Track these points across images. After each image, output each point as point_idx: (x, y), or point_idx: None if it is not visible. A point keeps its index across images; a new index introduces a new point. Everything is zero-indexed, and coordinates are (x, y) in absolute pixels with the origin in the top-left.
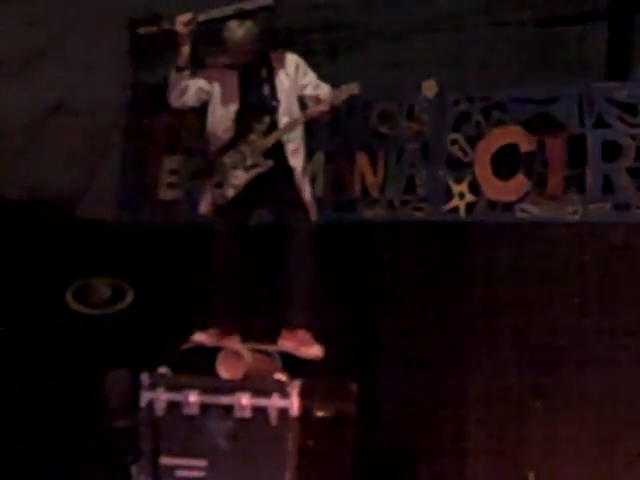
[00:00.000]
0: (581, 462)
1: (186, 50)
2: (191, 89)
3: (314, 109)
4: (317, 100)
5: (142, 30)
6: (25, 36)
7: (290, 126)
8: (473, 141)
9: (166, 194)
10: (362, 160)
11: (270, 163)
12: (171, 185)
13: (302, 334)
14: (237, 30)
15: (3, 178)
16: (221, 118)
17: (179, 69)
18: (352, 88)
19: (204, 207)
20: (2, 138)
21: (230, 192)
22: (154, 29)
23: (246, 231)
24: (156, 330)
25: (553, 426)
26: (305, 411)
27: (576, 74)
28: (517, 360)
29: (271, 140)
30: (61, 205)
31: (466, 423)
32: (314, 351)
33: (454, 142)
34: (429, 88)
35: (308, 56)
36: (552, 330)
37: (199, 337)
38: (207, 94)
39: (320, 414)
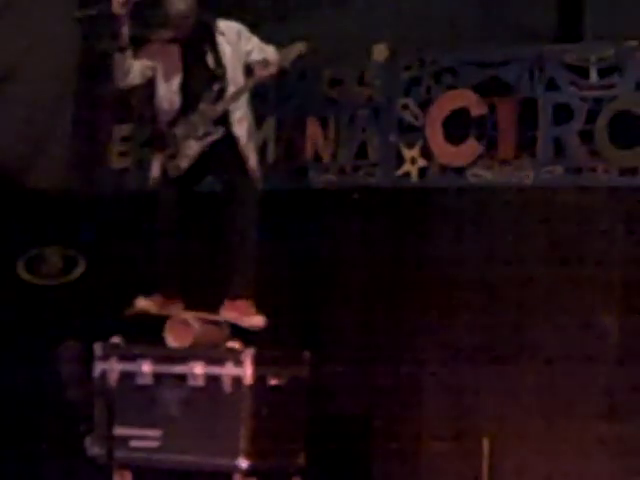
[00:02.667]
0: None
1: (125, 30)
2: (135, 68)
3: (262, 72)
4: (265, 63)
5: (79, 14)
6: None
7: (240, 92)
8: (424, 106)
9: (117, 162)
10: (313, 126)
11: (221, 130)
12: (122, 153)
13: (243, 304)
14: (178, 3)
15: None
16: (166, 92)
17: (121, 49)
18: (299, 47)
19: (154, 179)
20: None
21: (184, 162)
22: (91, 11)
23: (194, 199)
24: (108, 299)
25: (510, 391)
26: (259, 379)
27: (526, 37)
28: (471, 322)
29: (220, 108)
30: (11, 175)
31: (421, 387)
32: (256, 321)
33: (405, 107)
34: (380, 52)
35: (257, 22)
36: (506, 297)
37: (142, 303)
38: (152, 70)
39: (274, 382)
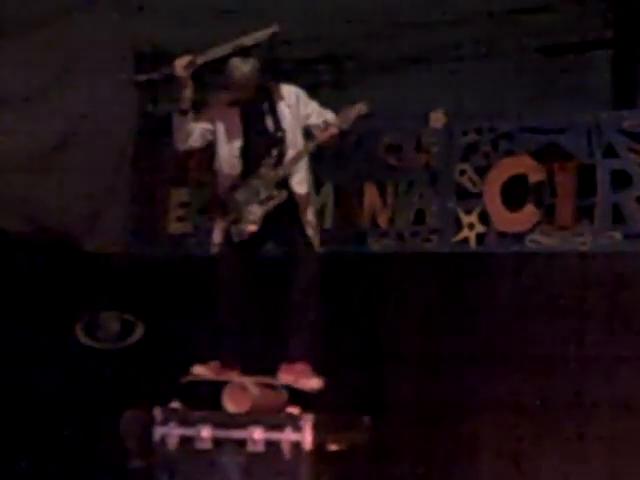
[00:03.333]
0: None
1: (188, 93)
2: (196, 131)
3: (324, 134)
4: (325, 125)
5: (141, 77)
6: (30, 71)
7: (300, 155)
8: (482, 172)
9: (175, 227)
10: (371, 192)
11: (285, 194)
12: (180, 218)
13: (300, 367)
14: (242, 67)
15: (12, 213)
16: (226, 156)
17: (182, 112)
18: (360, 108)
19: (217, 245)
20: (10, 173)
21: (249, 228)
22: (154, 75)
23: (254, 263)
24: (167, 364)
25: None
26: (318, 445)
27: (583, 103)
28: (531, 392)
29: (282, 171)
30: (69, 239)
31: (479, 451)
32: (313, 383)
33: (463, 173)
34: (437, 119)
35: (313, 88)
36: (564, 360)
37: (199, 370)
38: (212, 133)
39: (333, 447)
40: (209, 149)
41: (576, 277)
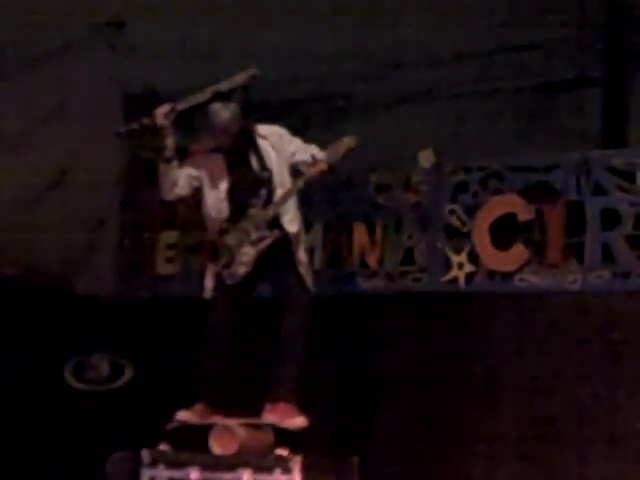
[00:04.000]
0: None
1: (170, 141)
2: (181, 179)
3: (313, 170)
4: (313, 161)
5: (122, 129)
6: (24, 110)
7: (290, 193)
8: (471, 211)
9: (163, 269)
10: (360, 231)
11: (277, 233)
12: (168, 260)
13: (284, 406)
14: (222, 113)
15: (1, 254)
16: (213, 201)
17: (167, 160)
18: (348, 142)
19: (209, 290)
20: (1, 213)
21: (241, 270)
22: (135, 125)
23: (246, 305)
24: (155, 406)
25: None
26: None
27: (572, 140)
28: (518, 431)
29: (271, 211)
30: (58, 281)
31: None
32: (298, 422)
33: (452, 212)
34: (425, 158)
35: (303, 128)
36: (555, 400)
37: (183, 415)
38: (197, 180)
39: None
40: (197, 192)
41: (566, 316)
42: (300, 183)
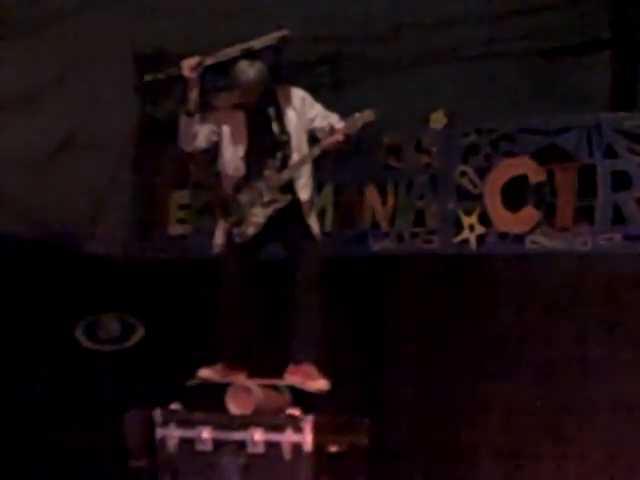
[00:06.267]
0: None
1: (194, 94)
2: (201, 133)
3: (329, 139)
4: (331, 130)
5: (149, 77)
6: (31, 72)
7: (306, 159)
8: (482, 173)
9: (175, 229)
10: (371, 193)
11: (288, 197)
12: (180, 220)
13: (307, 368)
14: (249, 70)
15: (11, 215)
16: (231, 158)
17: (189, 114)
18: (367, 115)
19: (218, 246)
20: (9, 175)
21: (250, 230)
22: (161, 75)
23: (255, 265)
24: (167, 365)
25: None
26: (318, 446)
27: (582, 104)
28: (533, 394)
29: (286, 175)
30: (70, 241)
31: (479, 454)
32: (320, 384)
33: (463, 174)
34: (437, 120)
35: (312, 90)
36: (563, 361)
37: (205, 373)
38: (217, 135)
39: (333, 449)
40: (210, 151)
41: (576, 278)
42: (316, 151)
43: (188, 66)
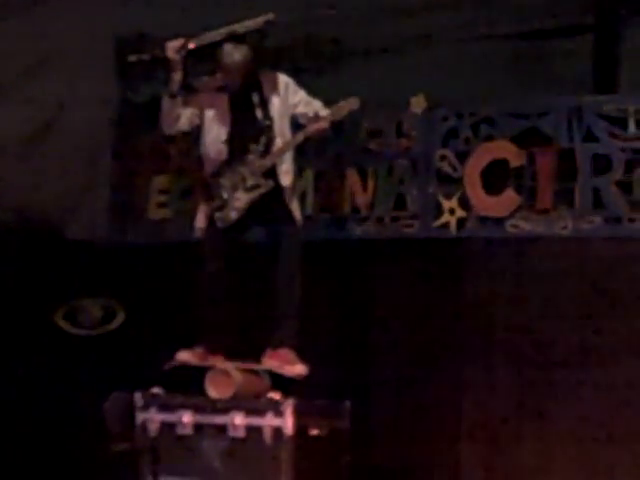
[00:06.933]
0: None
1: (178, 76)
2: (184, 115)
3: (314, 126)
4: (315, 117)
5: (133, 57)
6: (11, 57)
7: (289, 145)
8: (462, 157)
9: (155, 213)
10: (352, 177)
11: (271, 183)
12: (160, 204)
13: (285, 352)
14: (234, 53)
15: None
16: (213, 141)
17: (172, 95)
18: (352, 103)
19: (199, 229)
20: None
21: (233, 214)
22: (145, 56)
23: (236, 249)
24: (148, 350)
25: (547, 447)
26: (299, 430)
27: (563, 88)
28: (511, 377)
29: (269, 161)
30: (50, 226)
31: (460, 438)
32: (298, 369)
33: (443, 158)
34: (417, 104)
35: (294, 73)
36: (545, 345)
37: (183, 356)
38: (199, 118)
39: (314, 432)
40: (192, 134)
41: (556, 261)
42: (300, 137)
43: (172, 48)
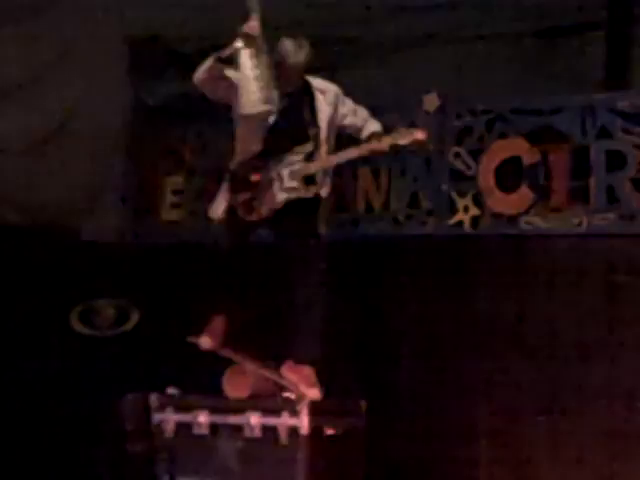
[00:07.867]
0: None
1: (233, 49)
2: (222, 85)
3: (371, 146)
4: (374, 137)
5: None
6: (25, 58)
7: (341, 157)
8: (476, 154)
9: (169, 214)
10: (365, 176)
11: (312, 190)
12: (174, 205)
13: (307, 372)
14: (298, 53)
15: (6, 202)
16: (254, 132)
17: (221, 60)
18: (419, 134)
19: (217, 213)
20: (4, 162)
21: (264, 210)
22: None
23: (248, 249)
24: (163, 351)
25: (563, 445)
26: (315, 429)
27: (576, 85)
28: (528, 374)
29: (315, 167)
30: (64, 228)
31: (476, 436)
32: (312, 393)
33: (457, 155)
34: (430, 102)
35: (307, 72)
36: (562, 342)
37: (205, 342)
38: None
39: (330, 432)
40: (203, 137)
41: (571, 258)
42: (353, 153)
43: (250, 26)
